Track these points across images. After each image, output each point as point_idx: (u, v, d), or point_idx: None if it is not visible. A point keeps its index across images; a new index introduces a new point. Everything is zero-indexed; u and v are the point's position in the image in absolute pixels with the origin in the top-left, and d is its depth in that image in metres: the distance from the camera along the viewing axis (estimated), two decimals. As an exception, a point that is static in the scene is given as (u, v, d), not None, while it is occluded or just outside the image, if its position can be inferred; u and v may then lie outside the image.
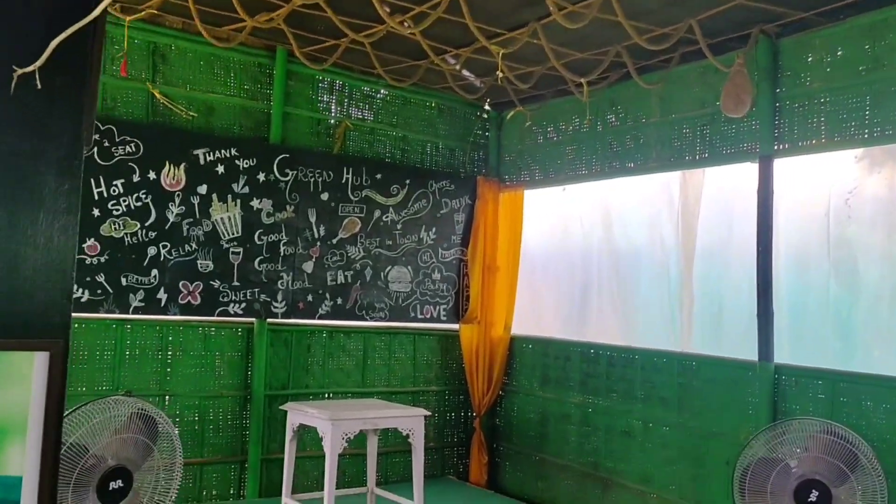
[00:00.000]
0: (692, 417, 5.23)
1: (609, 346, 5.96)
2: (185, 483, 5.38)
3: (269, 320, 5.88)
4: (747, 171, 5.06)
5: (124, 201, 5.31)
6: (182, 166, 5.52)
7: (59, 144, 1.52)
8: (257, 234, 5.80)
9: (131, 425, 3.54)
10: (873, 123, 4.43)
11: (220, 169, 5.65)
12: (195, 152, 5.57)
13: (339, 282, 6.18)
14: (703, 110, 5.30)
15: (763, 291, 4.83)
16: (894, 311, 4.63)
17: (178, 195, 5.51)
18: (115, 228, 5.29)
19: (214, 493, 5.71)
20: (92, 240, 5.20)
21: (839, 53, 4.63)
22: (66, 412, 3.30)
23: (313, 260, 6.06)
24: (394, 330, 6.57)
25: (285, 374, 6.03)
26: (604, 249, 6.39)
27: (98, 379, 5.31)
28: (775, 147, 4.86)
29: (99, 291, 5.21)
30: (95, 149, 5.19)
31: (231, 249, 5.71)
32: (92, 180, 5.19)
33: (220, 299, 5.65)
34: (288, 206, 5.94)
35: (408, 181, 6.54)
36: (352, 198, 6.25)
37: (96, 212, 5.21)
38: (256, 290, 5.79)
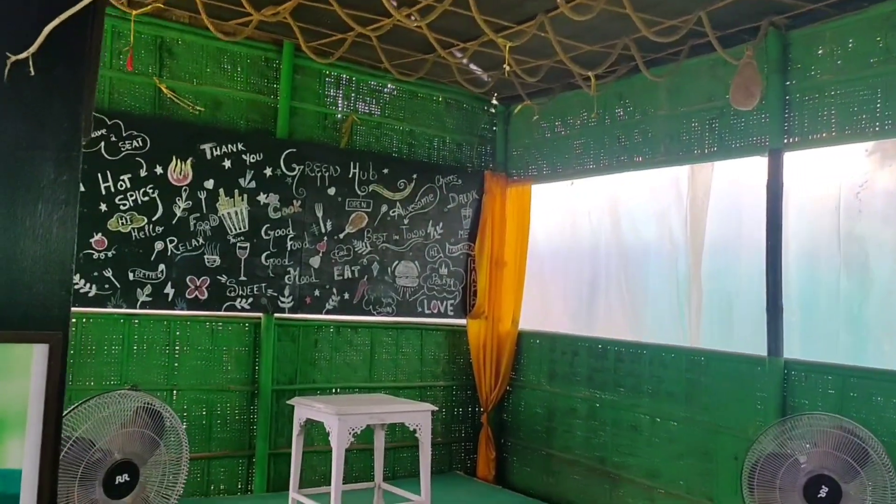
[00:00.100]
0: (700, 412, 5.20)
1: (617, 341, 5.93)
2: (192, 477, 5.41)
3: (276, 315, 5.88)
4: (757, 165, 5.02)
5: (131, 196, 5.32)
6: (189, 161, 5.52)
7: (57, 135, 1.51)
8: (264, 228, 5.80)
9: (137, 419, 3.54)
10: (884, 116, 4.37)
11: (227, 163, 5.65)
12: (202, 147, 5.56)
13: (346, 277, 6.18)
14: (712, 104, 5.26)
15: (772, 286, 4.78)
16: (905, 306, 4.59)
17: (185, 190, 5.51)
18: (123, 223, 5.29)
19: (222, 487, 5.72)
20: (99, 234, 5.21)
21: (850, 45, 4.58)
22: (73, 406, 3.31)
23: (320, 255, 6.06)
24: (401, 325, 6.56)
25: (292, 368, 6.04)
26: (612, 244, 6.35)
27: (105, 373, 5.32)
28: (785, 140, 4.81)
29: (106, 286, 5.22)
30: (102, 143, 5.21)
31: (238, 244, 5.71)
32: (99, 175, 5.20)
33: (228, 294, 5.66)
34: (295, 201, 5.94)
35: (415, 176, 6.53)
36: (359, 192, 6.24)
37: (103, 207, 5.22)
38: (263, 284, 5.79)
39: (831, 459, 3.82)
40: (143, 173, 5.35)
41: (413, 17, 4.66)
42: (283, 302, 5.88)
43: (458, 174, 6.77)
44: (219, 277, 5.62)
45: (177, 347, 5.60)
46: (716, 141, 5.25)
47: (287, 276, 5.90)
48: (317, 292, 6.03)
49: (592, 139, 6.20)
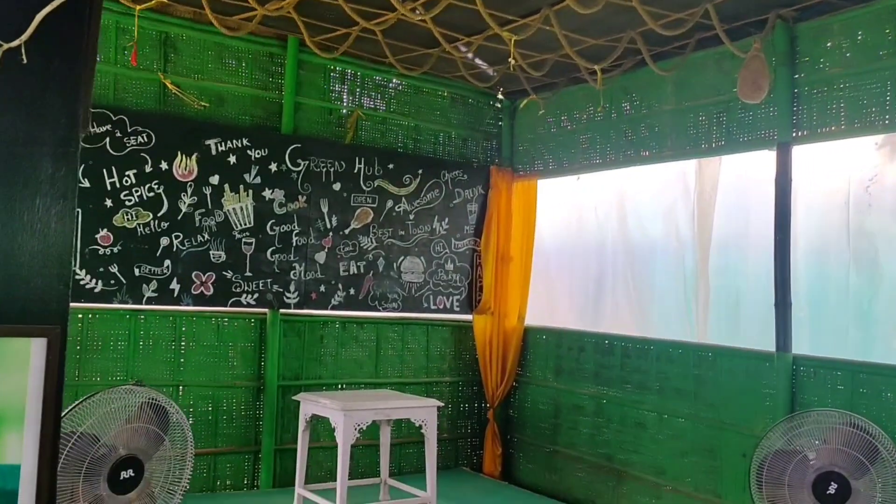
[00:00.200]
0: (708, 409, 5.17)
1: (623, 336, 5.90)
2: (198, 473, 5.41)
3: (281, 311, 5.88)
4: (765, 159, 4.98)
5: (137, 192, 5.32)
6: (194, 156, 5.51)
7: (54, 128, 1.49)
8: (269, 224, 5.79)
9: (142, 415, 3.54)
10: (894, 109, 4.33)
11: (232, 159, 5.64)
12: (207, 142, 5.56)
13: (351, 272, 6.16)
14: (719, 97, 5.22)
15: (781, 281, 4.75)
16: (916, 301, 4.55)
17: (191, 185, 5.50)
18: (128, 219, 5.29)
19: (228, 483, 5.73)
20: (105, 230, 5.21)
21: (859, 38, 4.53)
22: (77, 402, 3.30)
23: (326, 250, 6.04)
24: (407, 321, 6.54)
25: (298, 364, 6.03)
26: (618, 239, 6.32)
27: (112, 369, 5.33)
28: (793, 134, 4.77)
29: (112, 282, 5.23)
30: (107, 139, 5.20)
31: (243, 240, 5.70)
32: (104, 171, 5.20)
33: (233, 290, 5.65)
34: (300, 197, 5.92)
35: (420, 171, 6.50)
36: (364, 188, 6.22)
37: (109, 202, 5.22)
38: (269, 280, 5.78)
39: (841, 456, 3.79)
40: (148, 169, 5.35)
41: (417, 11, 4.63)
42: (288, 297, 5.87)
43: (464, 169, 6.75)
44: (224, 273, 5.61)
45: (182, 343, 5.60)
46: (723, 135, 5.21)
47: (292, 272, 5.89)
48: (322, 288, 6.03)
49: (598, 134, 6.17)
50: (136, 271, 5.31)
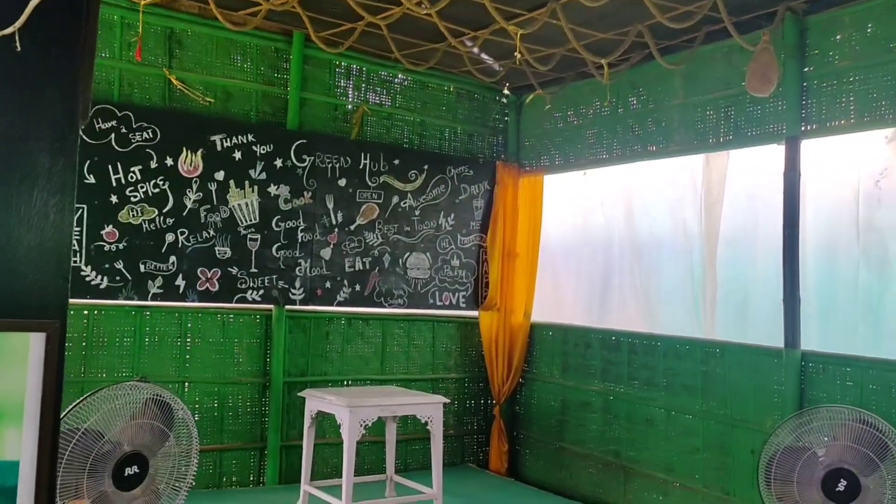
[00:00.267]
0: (716, 405, 5.13)
1: (631, 332, 5.86)
2: (204, 469, 5.41)
3: (287, 307, 5.86)
4: (773, 154, 4.93)
5: (142, 188, 5.31)
6: (199, 152, 5.50)
7: (52, 120, 1.47)
8: (275, 220, 5.78)
9: (147, 411, 3.52)
10: (905, 102, 4.28)
11: (238, 155, 5.63)
12: (212, 138, 5.54)
13: (357, 268, 6.14)
14: (727, 91, 5.17)
15: (789, 277, 4.70)
16: (926, 297, 4.50)
17: (196, 182, 5.49)
18: (133, 215, 5.28)
19: (234, 479, 5.72)
20: (110, 226, 5.21)
21: (869, 30, 4.48)
22: (81, 398, 3.29)
23: (331, 246, 6.03)
24: (412, 317, 6.52)
25: (304, 360, 6.02)
26: (625, 235, 6.28)
27: (117, 365, 5.33)
28: (802, 128, 4.72)
29: (118, 278, 5.22)
30: (113, 135, 5.20)
31: (249, 236, 5.69)
32: (109, 167, 5.19)
33: (239, 286, 5.64)
34: (305, 193, 5.91)
35: (426, 167, 6.48)
36: (369, 184, 6.20)
37: (114, 198, 5.21)
38: (274, 276, 5.77)
39: (850, 453, 3.75)
40: (153, 165, 5.34)
41: (423, 5, 4.60)
42: (294, 294, 5.86)
43: (470, 165, 6.72)
44: (230, 269, 5.60)
45: (188, 339, 5.59)
46: (731, 129, 5.17)
47: (298, 268, 5.87)
48: (328, 284, 6.01)
49: (605, 128, 6.13)
50: (142, 268, 5.30)
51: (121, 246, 5.23)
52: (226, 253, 5.59)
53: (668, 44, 5.26)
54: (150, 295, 5.33)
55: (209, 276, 5.54)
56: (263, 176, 5.73)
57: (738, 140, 5.14)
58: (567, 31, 4.69)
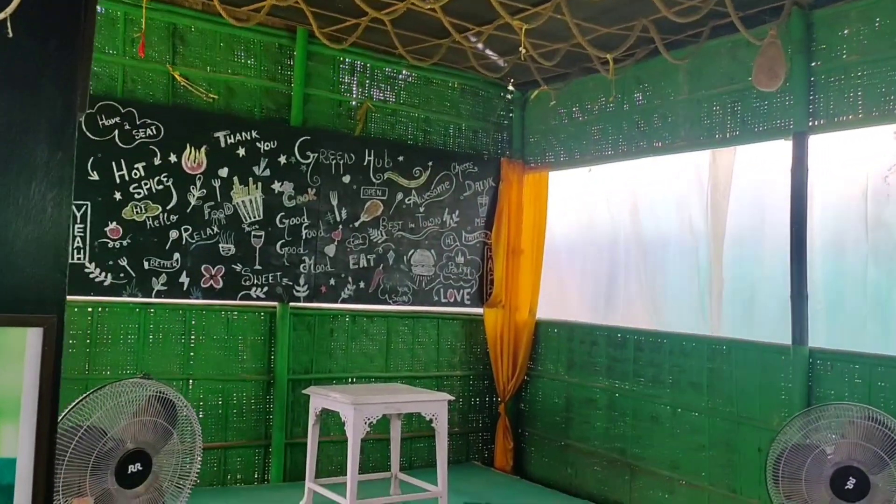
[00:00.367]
0: (723, 403, 5.09)
1: (636, 330, 5.83)
2: (208, 467, 5.40)
3: (291, 304, 5.85)
4: (780, 149, 4.89)
5: (146, 185, 5.30)
6: (203, 149, 5.48)
7: (50, 112, 1.45)
8: (279, 217, 5.76)
9: (150, 408, 3.51)
10: (914, 97, 4.23)
11: (241, 151, 5.61)
12: (216, 135, 5.53)
13: (361, 265, 6.12)
14: (733, 86, 5.13)
15: (797, 274, 4.66)
16: (935, 293, 4.45)
17: (200, 178, 5.48)
18: (137, 212, 5.27)
19: (239, 477, 5.71)
20: (114, 223, 5.19)
21: (877, 24, 4.44)
22: (84, 395, 3.28)
23: (335, 243, 6.01)
24: (417, 314, 6.50)
25: (308, 358, 6.00)
26: (630, 231, 6.24)
27: (122, 362, 5.32)
28: (810, 123, 4.68)
29: (122, 275, 5.21)
30: (116, 132, 5.18)
31: (253, 233, 5.67)
32: (113, 164, 5.18)
33: (243, 283, 5.62)
34: (309, 189, 5.89)
35: (430, 163, 6.45)
36: (374, 180, 6.18)
37: (118, 195, 5.20)
38: (278, 273, 5.76)
39: (859, 450, 3.72)
40: (157, 161, 5.32)
41: (427, 1, 4.57)
42: (298, 291, 5.84)
43: (475, 161, 6.69)
44: (234, 266, 5.59)
45: (192, 336, 5.58)
46: (738, 124, 5.13)
47: (302, 265, 5.86)
48: (332, 281, 5.99)
49: (611, 124, 6.09)
50: (146, 264, 5.29)
51: (124, 243, 5.22)
52: (230, 250, 5.58)
53: (674, 38, 5.22)
54: (153, 292, 5.32)
55: (213, 273, 5.52)
56: (267, 172, 5.71)
57: (744, 136, 5.10)
58: (572, 25, 4.65)
